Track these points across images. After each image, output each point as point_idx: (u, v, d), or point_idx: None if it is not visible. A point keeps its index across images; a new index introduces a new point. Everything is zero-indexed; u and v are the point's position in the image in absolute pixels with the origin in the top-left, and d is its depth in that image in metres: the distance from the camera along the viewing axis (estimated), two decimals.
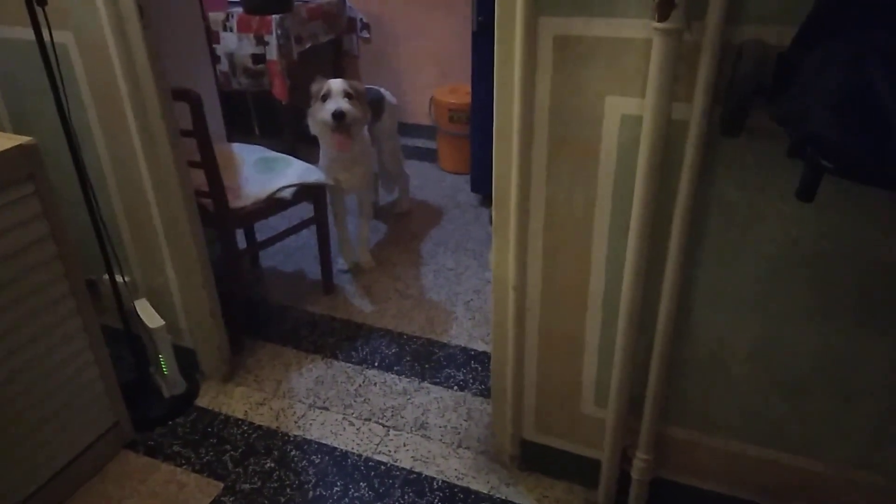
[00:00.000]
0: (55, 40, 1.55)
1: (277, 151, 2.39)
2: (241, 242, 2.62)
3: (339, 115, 2.23)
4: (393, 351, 2.20)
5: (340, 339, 2.26)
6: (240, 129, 3.84)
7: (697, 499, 1.55)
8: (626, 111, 1.22)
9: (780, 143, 1.08)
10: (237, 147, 2.37)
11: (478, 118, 2.91)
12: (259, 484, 1.72)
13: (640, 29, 1.14)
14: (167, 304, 1.98)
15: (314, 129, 2.37)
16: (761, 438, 1.42)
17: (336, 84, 2.26)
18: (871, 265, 1.17)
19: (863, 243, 1.16)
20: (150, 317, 1.86)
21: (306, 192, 2.25)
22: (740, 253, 1.26)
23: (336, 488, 1.70)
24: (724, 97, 1.11)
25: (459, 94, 3.35)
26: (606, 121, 1.25)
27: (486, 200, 3.14)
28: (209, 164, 1.89)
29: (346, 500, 1.67)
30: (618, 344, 1.39)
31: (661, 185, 1.22)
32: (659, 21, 1.06)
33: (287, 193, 2.17)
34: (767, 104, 1.05)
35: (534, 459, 1.73)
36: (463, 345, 2.23)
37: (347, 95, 2.26)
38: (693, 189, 1.20)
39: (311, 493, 1.69)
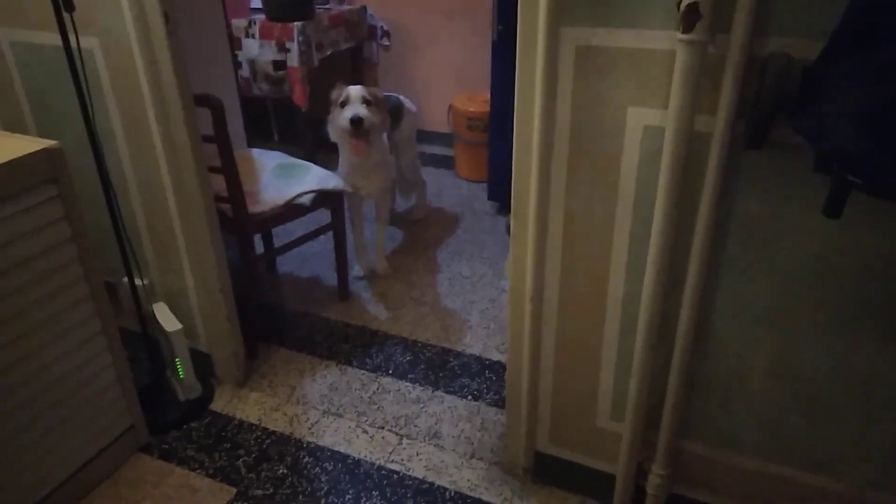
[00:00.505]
0: (81, 46, 1.57)
1: (297, 158, 2.41)
2: (259, 247, 2.64)
3: (356, 121, 2.24)
4: (407, 359, 2.20)
5: (355, 346, 2.26)
6: (260, 135, 3.87)
7: None
8: (649, 122, 1.21)
9: (805, 157, 1.07)
10: (257, 153, 2.39)
11: (496, 126, 2.90)
12: (271, 490, 1.72)
13: (664, 40, 1.13)
14: (184, 307, 2.00)
15: (333, 135, 2.38)
16: (780, 456, 1.39)
17: (355, 91, 2.28)
18: (894, 282, 1.15)
19: (886, 260, 1.14)
20: (167, 320, 1.87)
21: (325, 198, 2.25)
22: (761, 267, 1.24)
23: (348, 496, 1.70)
24: (749, 110, 1.10)
25: (478, 102, 3.35)
26: (628, 132, 1.24)
27: (503, 209, 3.13)
28: (229, 169, 1.90)
29: None
30: (636, 357, 1.37)
31: (682, 198, 1.20)
32: (683, 32, 1.05)
33: (305, 199, 2.18)
34: (792, 118, 1.03)
35: (547, 472, 1.71)
36: (478, 354, 2.22)
37: (366, 102, 2.27)
38: (715, 202, 1.18)
39: (323, 501, 1.68)
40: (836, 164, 0.95)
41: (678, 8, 1.05)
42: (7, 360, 1.42)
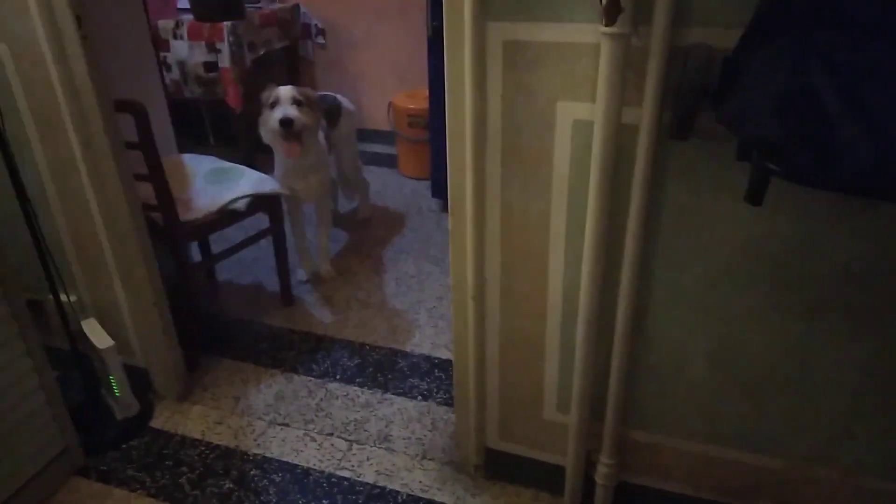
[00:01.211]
0: None
1: (233, 161, 2.34)
2: (197, 255, 2.56)
3: (286, 123, 2.19)
4: (355, 362, 2.16)
5: (300, 353, 2.21)
6: (194, 139, 3.75)
7: (662, 501, 1.55)
8: (578, 116, 1.22)
9: (730, 146, 1.08)
10: (188, 158, 2.31)
11: (437, 123, 2.89)
12: None
13: (589, 34, 1.13)
14: (117, 322, 1.91)
15: (266, 137, 2.32)
16: (722, 439, 1.42)
17: (285, 91, 2.22)
18: (823, 265, 1.19)
19: (814, 243, 1.17)
20: (98, 337, 1.78)
21: (261, 202, 2.20)
22: (695, 256, 1.26)
23: None
24: (673, 101, 1.12)
25: (418, 98, 3.33)
26: (558, 126, 1.24)
27: (447, 206, 3.11)
28: (156, 176, 1.83)
29: None
30: (577, 350, 1.38)
31: (614, 190, 1.21)
32: (606, 25, 1.06)
33: (241, 205, 2.11)
34: (714, 107, 1.05)
35: (499, 468, 1.71)
36: (426, 353, 2.20)
37: (296, 102, 2.22)
38: (645, 193, 1.19)
39: None
40: (755, 152, 0.97)
41: (600, 1, 1.06)
42: None
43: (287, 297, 2.46)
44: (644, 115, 1.14)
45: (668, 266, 1.28)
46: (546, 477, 1.64)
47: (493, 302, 1.47)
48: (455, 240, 1.42)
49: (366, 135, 3.79)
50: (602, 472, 1.51)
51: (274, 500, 1.68)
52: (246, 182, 2.17)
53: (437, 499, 1.68)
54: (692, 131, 1.11)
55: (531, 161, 1.28)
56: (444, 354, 2.19)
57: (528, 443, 1.63)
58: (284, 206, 2.43)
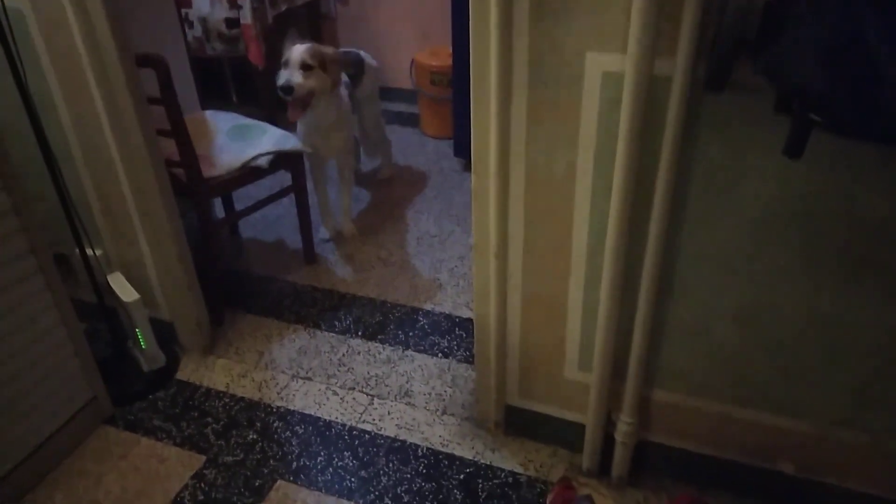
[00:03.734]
0: (8, 5, 1.47)
1: (256, 118, 2.32)
2: (220, 212, 2.57)
3: (287, 90, 2.15)
4: (377, 319, 2.17)
5: (323, 309, 2.23)
6: (216, 97, 3.73)
7: (682, 461, 1.55)
8: (607, 68, 1.17)
9: (766, 98, 1.04)
10: (210, 115, 2.30)
11: (460, 81, 2.83)
12: (242, 456, 1.70)
13: None
14: (142, 277, 1.94)
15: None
16: (746, 399, 1.41)
17: (296, 53, 2.16)
18: (857, 223, 1.15)
19: (850, 201, 1.13)
20: (124, 290, 1.81)
21: (283, 159, 2.19)
22: (725, 213, 1.23)
23: (320, 458, 1.69)
24: (709, 51, 1.07)
25: (441, 56, 3.27)
26: (587, 79, 1.20)
27: (470, 165, 3.07)
28: (179, 132, 1.82)
29: (331, 469, 1.66)
30: (601, 308, 1.37)
31: (643, 145, 1.18)
32: None
33: (263, 161, 2.11)
34: (753, 57, 1.00)
35: (518, 424, 1.72)
36: (447, 312, 2.20)
37: (306, 67, 2.17)
38: (676, 147, 1.16)
39: (294, 464, 1.68)
40: (796, 103, 0.93)
41: None
42: None
43: (309, 254, 2.47)
44: (677, 67, 1.09)
45: (696, 223, 1.25)
46: (565, 434, 1.65)
47: (516, 260, 1.45)
48: (478, 197, 1.40)
49: (388, 93, 3.74)
50: (622, 431, 1.51)
51: (297, 451, 1.71)
52: (268, 139, 2.16)
53: (456, 453, 1.70)
54: (728, 83, 1.07)
55: (558, 115, 1.25)
56: (465, 313, 2.19)
57: (548, 400, 1.64)
58: (306, 164, 2.41)
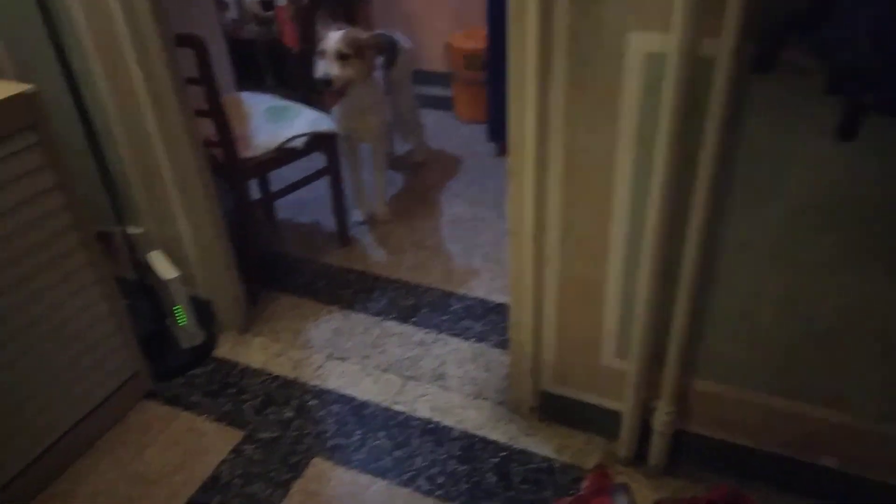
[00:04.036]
0: None
1: (290, 100, 2.33)
2: (256, 193, 2.59)
3: (325, 83, 2.15)
4: (410, 302, 2.18)
5: (357, 291, 2.24)
6: (252, 79, 3.75)
7: (722, 451, 1.52)
8: (650, 48, 1.14)
9: (818, 79, 1.00)
10: (246, 96, 2.31)
11: (495, 64, 2.80)
12: (278, 433, 1.73)
13: None
14: (181, 255, 1.97)
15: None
16: (789, 391, 1.38)
17: (332, 43, 2.15)
18: None
19: None
20: (164, 268, 1.85)
21: (318, 141, 2.19)
22: (770, 198, 1.19)
23: (355, 437, 1.71)
24: (757, 29, 1.03)
25: (476, 38, 3.23)
26: (629, 59, 1.17)
27: (504, 150, 3.04)
28: (216, 112, 1.84)
29: (365, 448, 1.68)
30: (640, 294, 1.34)
31: (686, 128, 1.15)
32: None
33: (298, 143, 2.12)
34: (804, 36, 0.97)
35: (553, 410, 1.71)
36: (481, 296, 2.20)
37: (342, 56, 2.16)
38: (721, 131, 1.12)
39: (329, 442, 1.70)
40: (849, 84, 0.89)
41: None
42: None
43: (343, 236, 2.48)
44: (723, 47, 1.06)
45: (741, 208, 1.22)
46: (601, 421, 1.63)
47: (553, 244, 1.44)
48: (515, 179, 1.39)
49: (421, 76, 3.71)
50: (660, 420, 1.49)
51: (332, 430, 1.73)
52: (303, 120, 2.17)
53: (490, 437, 1.70)
54: (776, 63, 1.04)
55: (598, 97, 1.22)
56: (499, 298, 2.18)
57: (583, 387, 1.62)
58: (341, 147, 2.42)
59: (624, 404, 1.53)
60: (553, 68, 1.23)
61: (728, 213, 1.23)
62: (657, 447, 1.54)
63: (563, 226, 1.40)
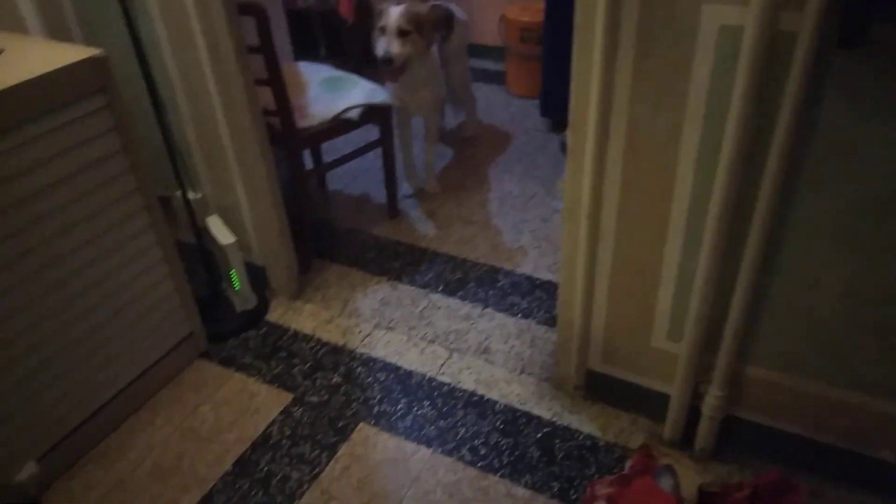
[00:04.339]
0: None
1: (345, 72, 2.34)
2: (309, 164, 2.62)
3: (386, 62, 2.15)
4: (457, 276, 2.19)
5: (405, 263, 2.26)
6: (306, 49, 3.78)
7: (772, 439, 1.50)
8: (726, 21, 1.10)
9: None
10: (303, 66, 2.33)
11: (550, 38, 2.75)
12: (327, 397, 1.77)
13: None
14: (237, 221, 2.01)
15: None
16: (848, 381, 1.34)
17: (392, 19, 2.14)
18: None
19: None
20: (221, 233, 1.89)
21: (373, 113, 2.20)
22: (844, 182, 1.15)
23: (400, 405, 1.74)
24: (843, 4, 0.99)
25: (531, 11, 3.17)
26: (702, 32, 1.13)
27: (556, 126, 3.01)
28: (276, 80, 1.86)
29: (410, 416, 1.70)
30: (698, 276, 1.32)
31: (760, 105, 1.11)
32: None
33: (353, 114, 2.13)
34: (893, 11, 0.92)
35: (599, 389, 1.70)
36: (528, 273, 2.19)
37: (402, 33, 2.15)
38: (797, 109, 1.08)
39: (376, 409, 1.73)
40: None
41: None
42: (66, 270, 1.47)
43: (393, 209, 2.50)
44: (805, 20, 1.01)
45: (811, 192, 1.18)
46: (648, 403, 1.62)
47: (609, 222, 1.42)
48: (574, 156, 1.37)
49: (475, 50, 3.67)
50: (710, 404, 1.47)
51: (378, 397, 1.76)
52: (359, 92, 2.17)
53: (534, 412, 1.70)
54: (864, 40, 0.99)
55: (667, 71, 1.19)
56: (546, 276, 2.17)
57: (631, 368, 1.61)
58: (393, 119, 2.42)
59: (673, 387, 1.51)
60: (621, 40, 1.20)
61: (796, 197, 1.19)
62: (705, 431, 1.52)
63: (620, 204, 1.38)
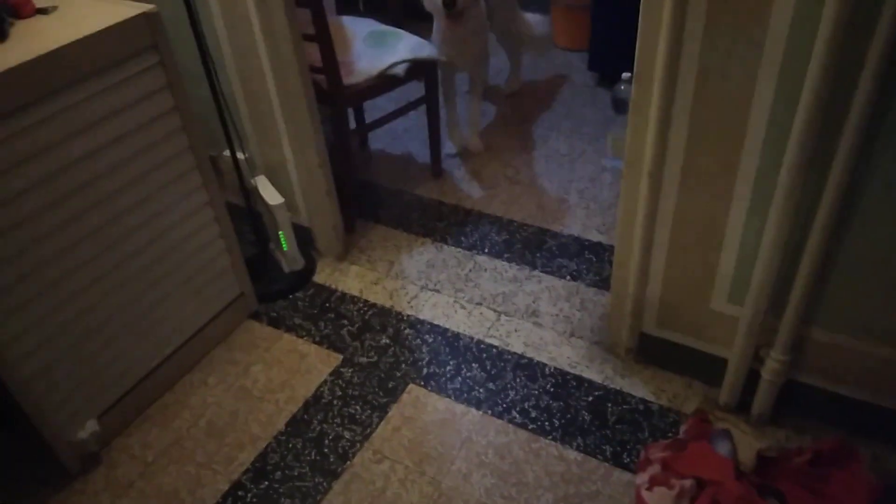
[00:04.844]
0: None
1: (389, 25, 2.28)
2: (351, 124, 2.59)
3: (449, 4, 2.07)
4: (503, 238, 2.15)
5: (450, 224, 2.23)
6: (344, 4, 3.70)
7: (833, 404, 1.45)
8: None
9: None
10: (347, 20, 2.27)
11: None
12: (376, 358, 1.77)
13: None
14: (284, 182, 2.00)
15: (427, 5, 2.22)
16: None
17: None
18: None
19: None
20: (269, 194, 1.88)
21: (418, 69, 2.14)
22: None
23: (449, 367, 1.73)
24: None
25: None
26: None
27: (604, 80, 2.91)
28: (323, 36, 1.81)
29: (459, 378, 1.70)
30: (766, 236, 1.26)
31: (843, 56, 1.03)
32: None
33: (399, 70, 2.07)
34: None
35: (652, 353, 1.67)
36: (576, 234, 2.14)
37: None
38: (887, 54, 1.00)
39: (425, 370, 1.73)
40: None
41: None
42: (122, 230, 1.48)
43: (437, 169, 2.46)
44: None
45: (891, 149, 1.10)
46: (703, 367, 1.58)
47: (672, 179, 1.36)
48: (637, 109, 1.31)
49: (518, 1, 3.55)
50: (770, 368, 1.43)
51: (426, 358, 1.76)
52: (405, 46, 2.12)
53: (584, 375, 1.68)
54: None
55: (743, 14, 1.11)
56: (596, 237, 2.12)
57: (688, 331, 1.57)
58: (438, 75, 2.36)
59: (732, 351, 1.47)
60: None
61: (878, 148, 1.12)
62: (763, 395, 1.48)
63: (685, 160, 1.32)
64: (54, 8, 1.38)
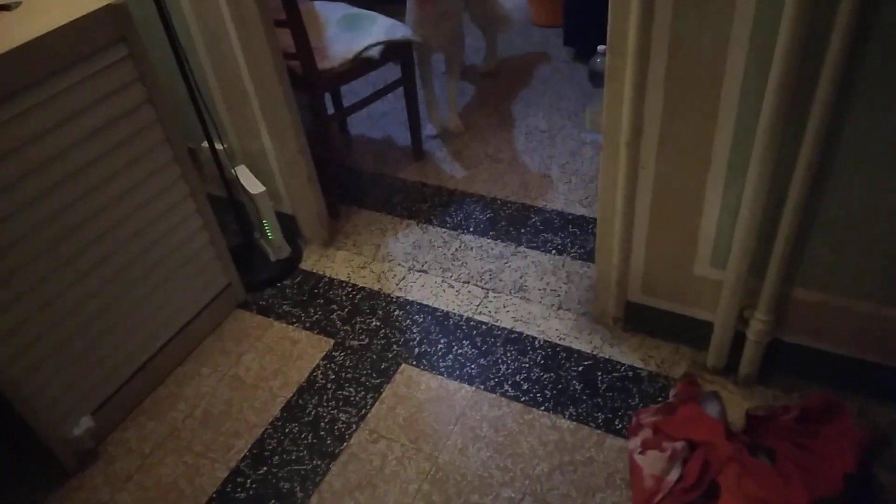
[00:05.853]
0: None
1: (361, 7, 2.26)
2: (329, 109, 2.58)
3: None
4: (487, 216, 2.16)
5: (434, 205, 2.24)
6: None
7: (817, 361, 1.48)
8: None
9: None
10: (319, 4, 2.25)
11: None
12: (367, 340, 1.79)
13: None
14: (265, 170, 1.99)
15: None
16: None
17: None
18: None
19: None
20: (250, 183, 1.87)
21: (393, 51, 2.13)
22: None
23: (440, 346, 1.75)
24: None
25: None
26: None
27: (581, 55, 2.91)
28: (295, 21, 1.80)
29: (451, 356, 1.72)
30: (745, 200, 1.28)
31: (815, 10, 1.04)
32: None
33: (374, 52, 2.06)
34: None
35: (639, 321, 1.69)
36: (560, 209, 2.15)
37: None
38: (856, 11, 1.02)
39: (416, 350, 1.74)
40: None
41: None
42: (104, 225, 1.47)
43: (418, 151, 2.46)
44: None
45: (867, 109, 1.12)
46: (690, 331, 1.61)
47: (650, 148, 1.37)
48: (612, 80, 1.32)
49: None
50: (755, 329, 1.46)
51: (418, 339, 1.77)
52: (378, 28, 2.10)
53: (574, 346, 1.71)
54: None
55: None
56: (578, 210, 2.14)
57: (673, 297, 1.59)
58: (414, 57, 2.35)
59: (717, 314, 1.50)
60: None
61: (852, 109, 1.14)
62: (749, 356, 1.51)
63: (662, 129, 1.33)
64: (17, 3, 1.36)
